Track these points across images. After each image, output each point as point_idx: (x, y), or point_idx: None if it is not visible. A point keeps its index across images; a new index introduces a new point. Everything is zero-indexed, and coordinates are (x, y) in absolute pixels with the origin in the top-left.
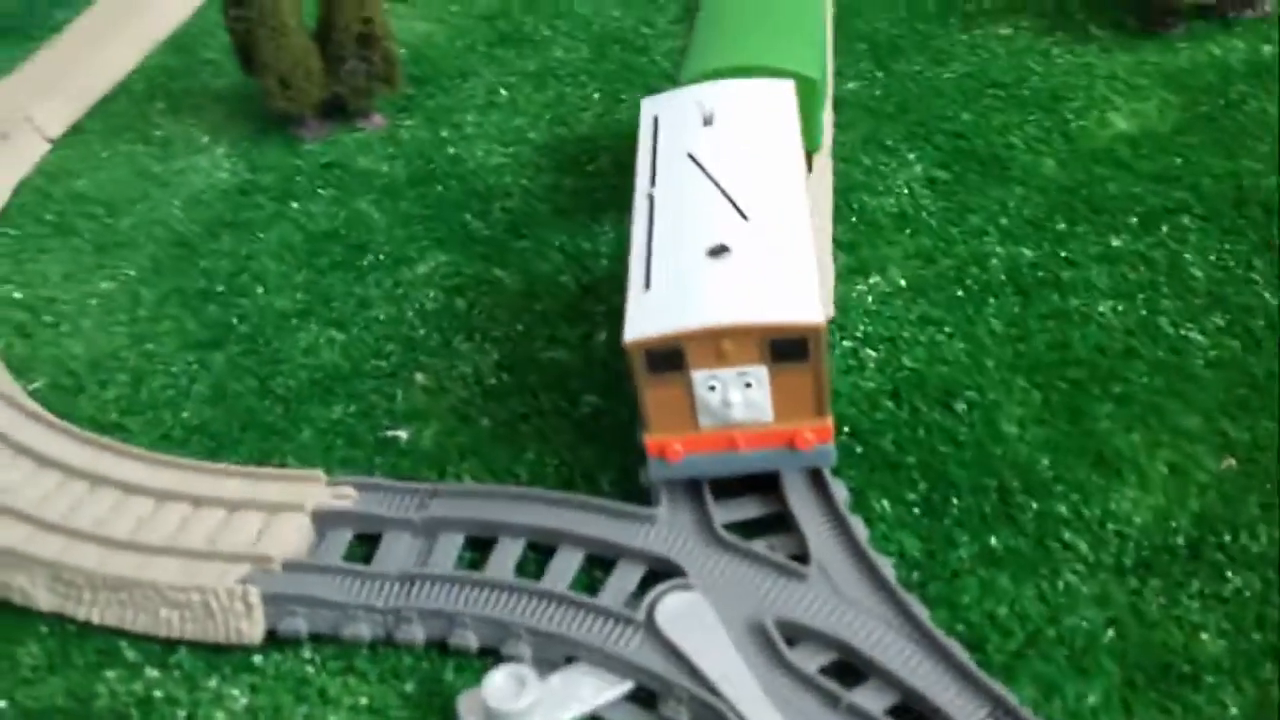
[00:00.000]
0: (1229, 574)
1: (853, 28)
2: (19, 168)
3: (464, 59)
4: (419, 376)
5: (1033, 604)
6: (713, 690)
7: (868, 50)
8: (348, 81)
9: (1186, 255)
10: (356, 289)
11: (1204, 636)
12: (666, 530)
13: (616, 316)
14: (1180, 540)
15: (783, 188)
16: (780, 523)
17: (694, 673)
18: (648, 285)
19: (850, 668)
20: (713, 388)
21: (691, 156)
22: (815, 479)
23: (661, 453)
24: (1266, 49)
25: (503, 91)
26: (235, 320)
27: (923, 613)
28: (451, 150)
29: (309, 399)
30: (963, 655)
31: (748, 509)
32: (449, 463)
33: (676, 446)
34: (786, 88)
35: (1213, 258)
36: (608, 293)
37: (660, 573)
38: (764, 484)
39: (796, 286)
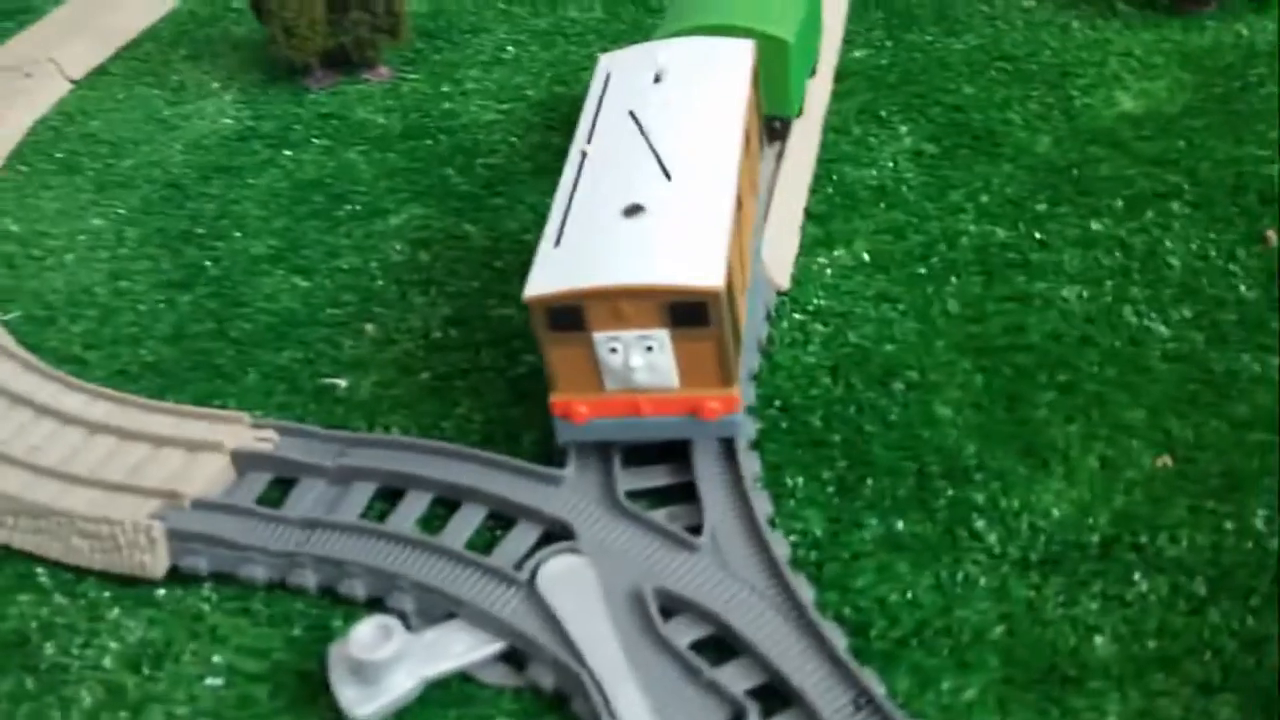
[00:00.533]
0: (1136, 576)
1: None
2: (38, 107)
3: (479, 14)
4: (368, 327)
5: (927, 593)
6: (578, 657)
7: (882, 19)
8: (351, 32)
9: (1167, 242)
10: (328, 237)
11: (1097, 640)
12: (569, 493)
13: None
14: (1094, 538)
15: (715, 149)
16: (686, 493)
17: (564, 637)
18: (558, 242)
19: (726, 644)
20: (614, 350)
21: (632, 114)
22: (728, 450)
23: (566, 413)
24: None
25: (510, 49)
26: (209, 263)
27: (808, 595)
28: (448, 105)
29: (261, 344)
30: (837, 641)
31: (655, 477)
32: (380, 414)
33: (581, 408)
34: (745, 47)
35: (1194, 246)
36: None
37: (557, 535)
38: (680, 452)
39: (701, 250)
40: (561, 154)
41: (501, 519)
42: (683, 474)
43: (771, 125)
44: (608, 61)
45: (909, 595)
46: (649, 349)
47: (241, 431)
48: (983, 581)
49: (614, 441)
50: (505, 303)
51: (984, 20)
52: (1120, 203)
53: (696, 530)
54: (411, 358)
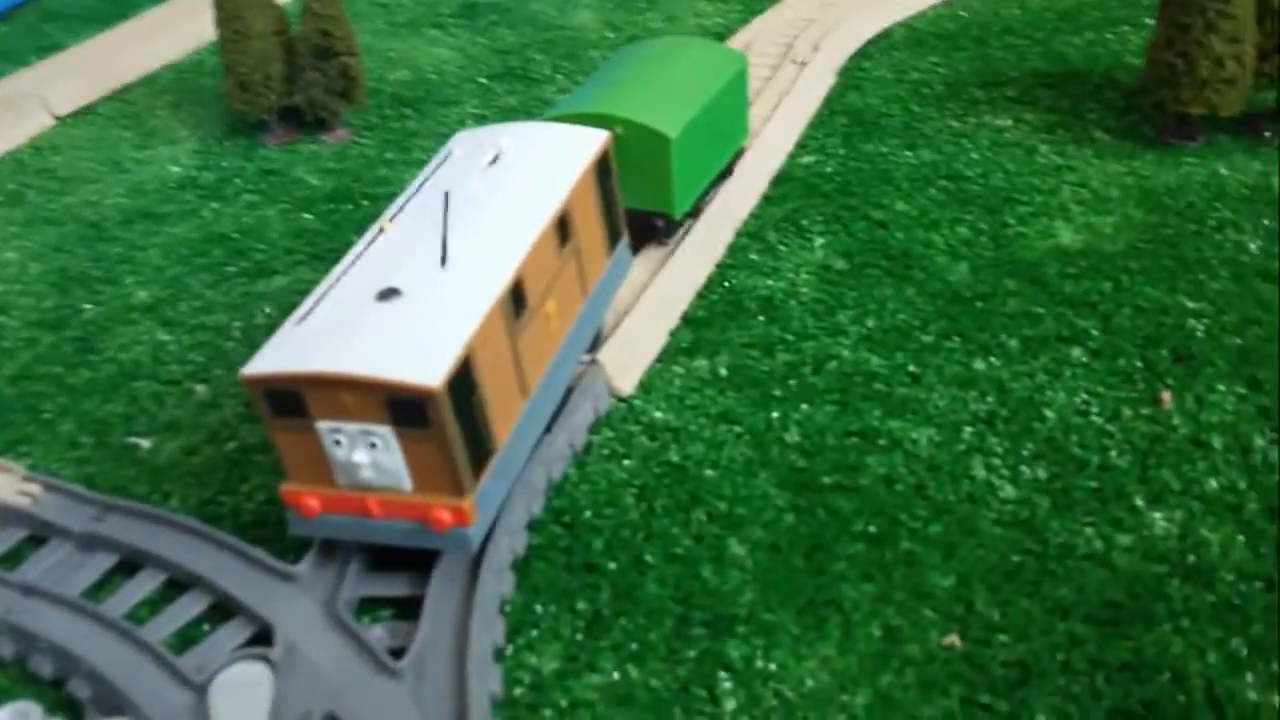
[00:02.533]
0: None
1: (844, 102)
2: (13, 139)
3: (459, 88)
4: (199, 388)
5: None
6: None
7: (845, 126)
8: (305, 92)
9: (1050, 392)
10: (209, 292)
11: None
12: (295, 593)
13: None
14: None
15: (508, 238)
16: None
17: None
18: (303, 320)
19: None
20: (339, 442)
21: (446, 195)
22: (478, 566)
23: (296, 505)
24: None
25: (469, 123)
26: (88, 306)
27: None
28: (383, 172)
29: (92, 393)
30: None
31: (391, 586)
32: (166, 481)
33: (311, 501)
34: (595, 136)
35: (1078, 399)
36: None
37: (263, 639)
38: (432, 559)
39: (434, 344)
40: None
41: (225, 612)
42: (419, 585)
43: (653, 224)
44: (457, 140)
45: None
46: (373, 445)
47: (8, 483)
48: None
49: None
50: None
51: (949, 136)
52: (1016, 342)
53: (400, 654)
54: (226, 425)
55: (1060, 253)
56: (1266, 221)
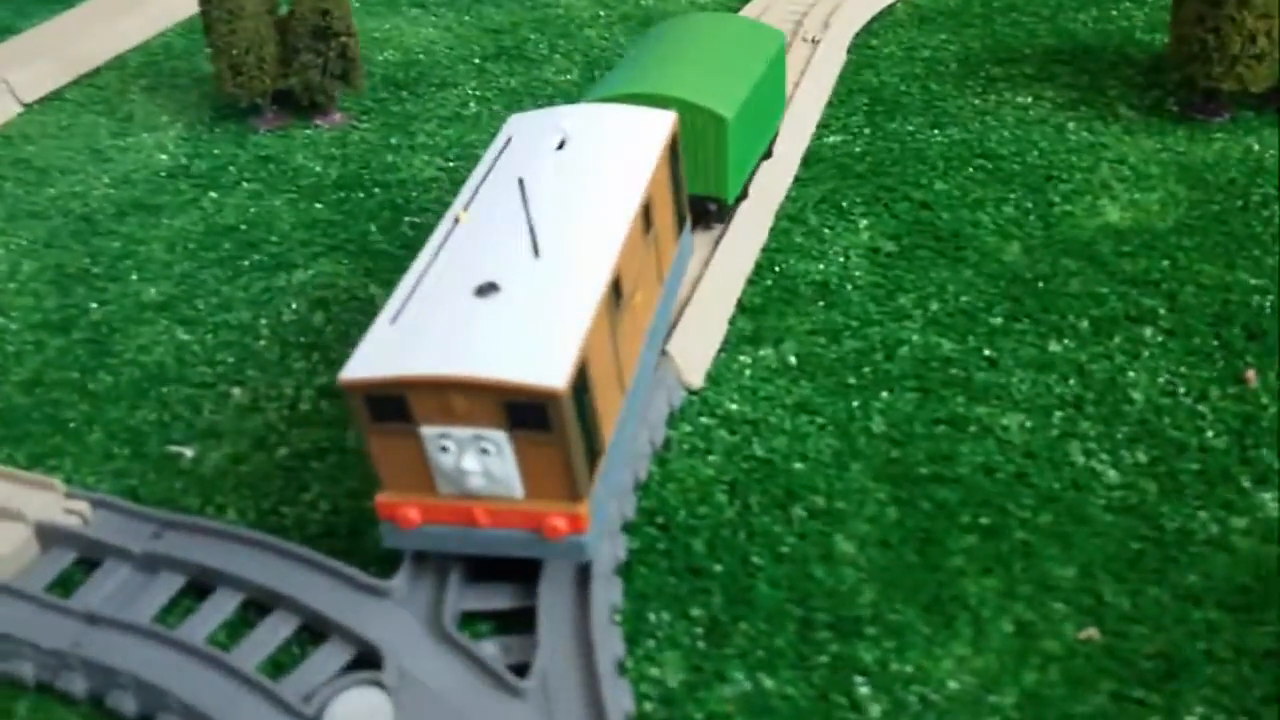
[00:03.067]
0: None
1: (860, 80)
2: None
3: (453, 69)
4: (235, 390)
5: None
6: None
7: (866, 105)
8: (301, 74)
9: (1131, 373)
10: (226, 288)
11: None
12: (393, 610)
13: None
14: None
15: (600, 227)
16: (527, 622)
17: None
18: (396, 319)
19: None
20: (445, 449)
21: (520, 181)
22: (583, 574)
23: (393, 516)
24: None
25: (472, 105)
26: (94, 305)
27: None
28: (390, 158)
29: (118, 399)
30: None
31: (497, 598)
32: (219, 492)
33: (410, 512)
34: (664, 119)
35: (1161, 380)
36: None
37: (368, 661)
38: (532, 569)
39: (550, 342)
40: None
41: (315, 633)
42: (527, 597)
43: (705, 208)
44: (513, 123)
45: None
46: (485, 451)
47: (53, 501)
48: None
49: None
50: None
51: (974, 114)
52: (1086, 323)
53: (523, 670)
54: (272, 430)
55: (1111, 231)
56: None
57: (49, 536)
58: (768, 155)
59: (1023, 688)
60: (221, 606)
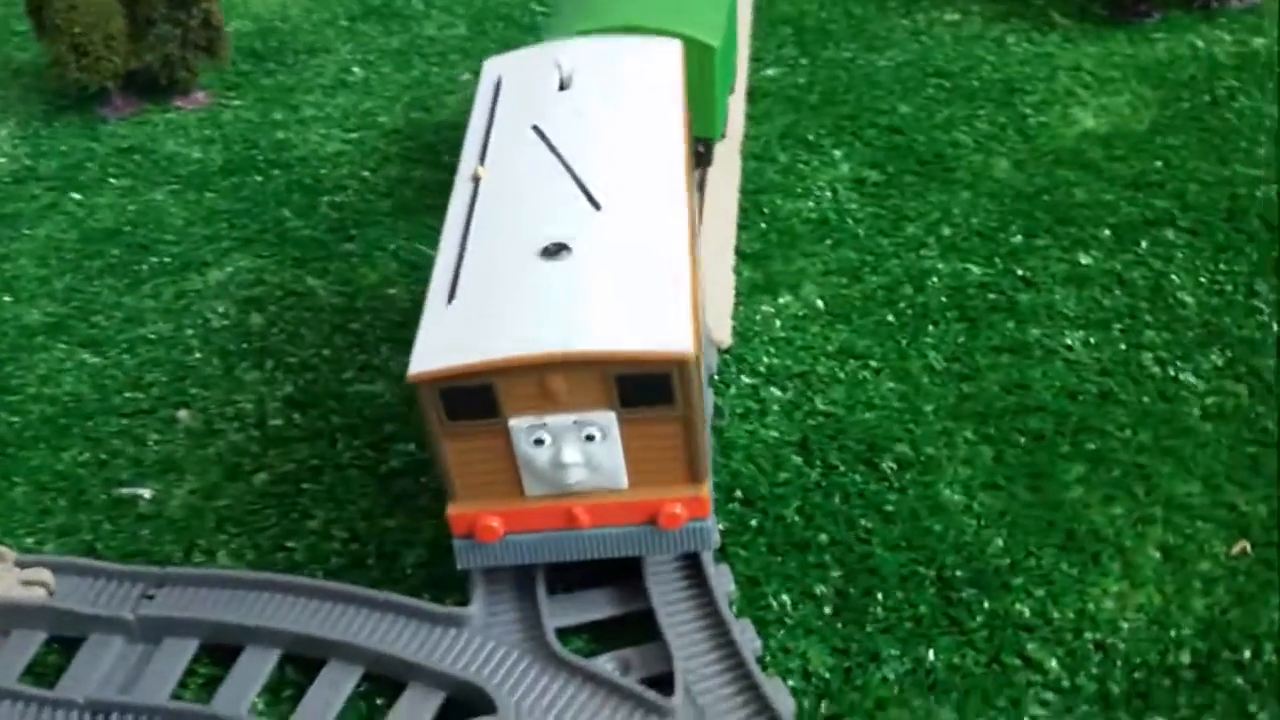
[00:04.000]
0: (1253, 709)
1: (776, 11)
2: None
3: (319, 34)
4: (182, 414)
5: None
6: None
7: (792, 35)
8: (158, 50)
9: (1173, 276)
10: (128, 299)
11: None
12: (479, 640)
13: None
14: (1184, 658)
15: (654, 170)
16: (641, 629)
17: None
18: (452, 296)
19: None
20: (539, 441)
21: (537, 129)
22: (691, 566)
23: (471, 531)
24: (1259, 41)
25: (356, 70)
26: None
27: None
28: (280, 135)
29: (34, 443)
30: None
31: (595, 608)
32: (201, 534)
33: (492, 522)
34: (672, 49)
35: (1204, 280)
36: None
37: (468, 704)
38: (621, 571)
39: (658, 301)
40: (428, 189)
41: (384, 682)
42: (632, 601)
43: (695, 149)
44: (496, 66)
45: None
46: (589, 439)
47: (2, 573)
48: None
49: (536, 565)
50: (367, 375)
51: (907, 35)
52: (1107, 232)
53: (659, 683)
54: (242, 454)
55: (1094, 137)
56: (1271, 85)
57: (8, 616)
58: (732, 90)
59: (1196, 615)
60: (256, 667)
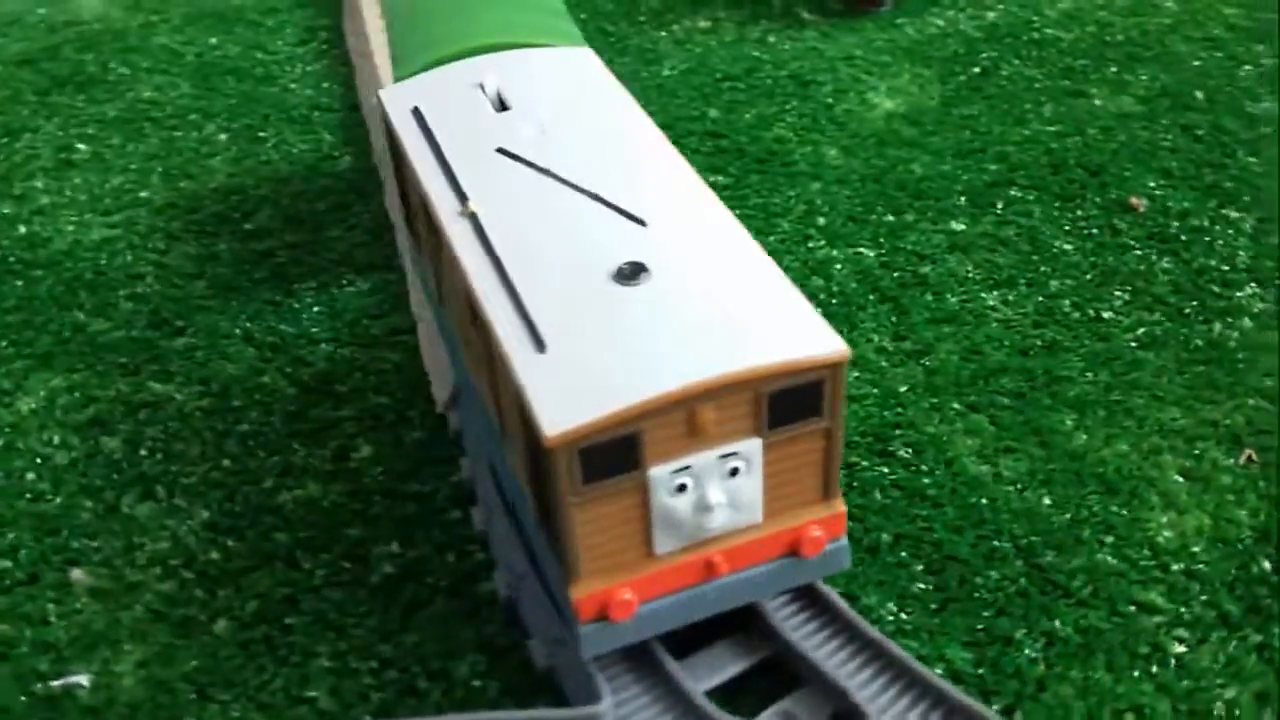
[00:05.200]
0: None
1: None
2: None
3: (9, 112)
4: (76, 574)
5: (1153, 697)
6: None
7: None
8: None
9: (1041, 229)
10: None
11: None
12: None
13: (376, 419)
14: (1265, 565)
15: (668, 179)
16: (775, 675)
17: None
18: (540, 345)
19: None
20: (683, 487)
21: (506, 152)
22: (806, 592)
23: (605, 611)
24: (991, 15)
25: (80, 146)
26: None
27: None
28: (23, 229)
29: None
30: None
31: (728, 662)
32: (181, 709)
33: (626, 595)
34: (588, 58)
35: (1068, 228)
36: (348, 387)
37: None
38: (721, 620)
39: (782, 306)
40: (242, 264)
41: None
42: (763, 645)
43: None
44: (400, 96)
45: (1146, 710)
46: (733, 473)
47: None
48: (1205, 661)
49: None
50: (293, 480)
51: (674, 45)
52: (963, 200)
53: None
54: (183, 603)
55: (898, 117)
56: (1034, 53)
57: None
58: None
59: (1247, 525)
60: None
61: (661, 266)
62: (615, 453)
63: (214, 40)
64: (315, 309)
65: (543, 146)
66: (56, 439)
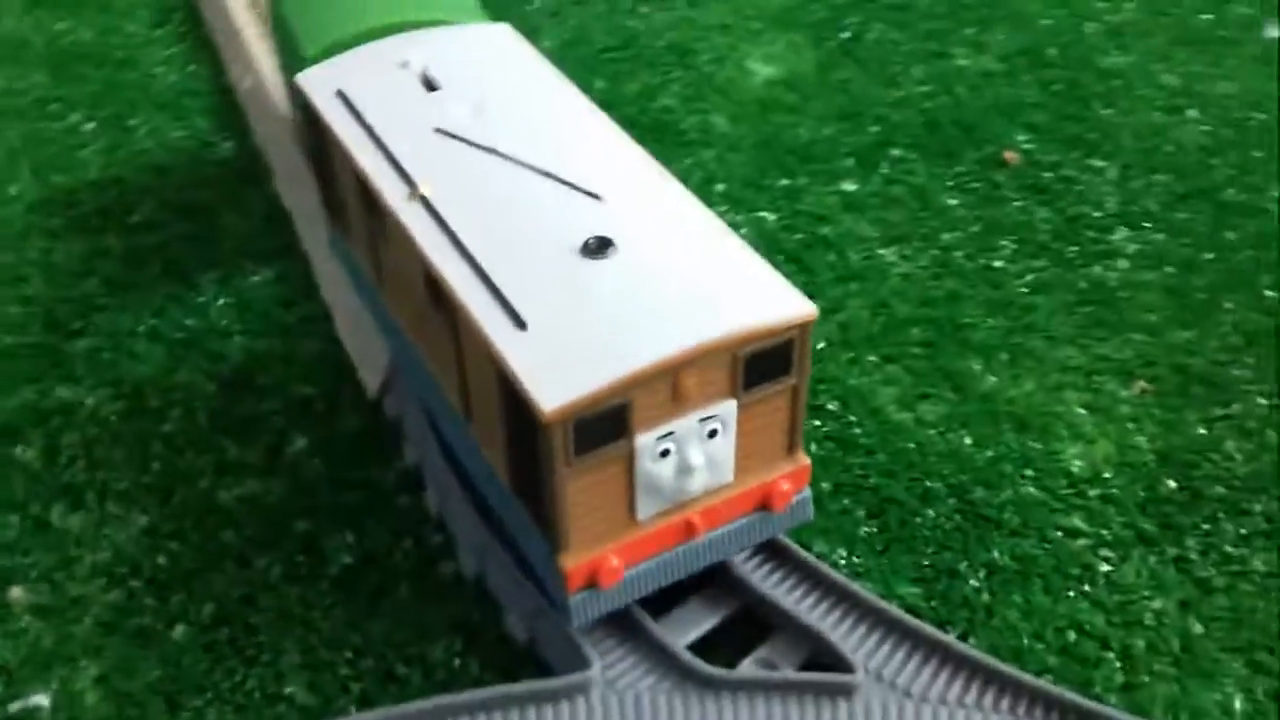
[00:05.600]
0: (1245, 505)
1: None
2: None
3: None
4: (15, 592)
5: (1089, 613)
6: None
7: None
8: None
9: (926, 187)
10: None
11: None
12: (616, 698)
13: (305, 408)
14: (1171, 484)
15: (614, 151)
16: (746, 625)
17: None
18: (520, 323)
19: None
20: (665, 452)
21: (445, 132)
22: (764, 545)
23: (594, 578)
24: None
25: None
26: None
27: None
28: None
29: None
30: None
31: (703, 616)
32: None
33: (614, 562)
34: (507, 33)
35: (951, 184)
36: (270, 379)
37: None
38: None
39: (748, 272)
40: (134, 259)
41: None
42: (734, 597)
43: None
44: (322, 80)
45: (1085, 624)
46: (711, 434)
47: None
48: (1128, 573)
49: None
50: (229, 477)
51: (547, 18)
52: (850, 161)
53: (821, 667)
54: (136, 612)
55: (777, 83)
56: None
57: None
58: None
59: (1149, 449)
60: None
61: (625, 239)
62: (607, 423)
63: (62, 25)
64: (221, 301)
65: (482, 126)
66: None
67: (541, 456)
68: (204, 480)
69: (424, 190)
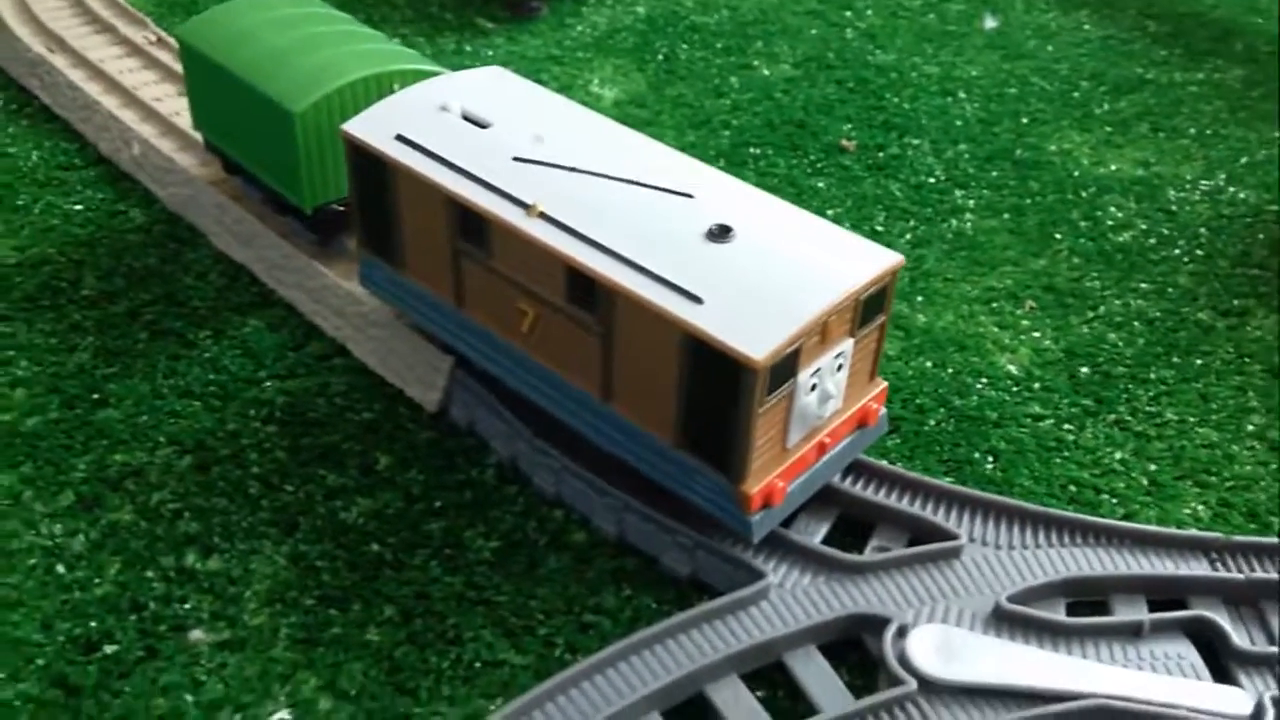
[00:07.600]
0: (1151, 376)
1: None
2: None
3: None
4: (195, 635)
5: (1077, 470)
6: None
7: None
8: None
9: (793, 175)
10: None
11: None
12: (808, 590)
13: (372, 431)
14: (1085, 370)
15: (671, 159)
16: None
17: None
18: (695, 299)
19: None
20: (813, 386)
21: (524, 159)
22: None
23: (769, 499)
24: (641, 9)
25: None
26: None
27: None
28: None
29: None
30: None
31: (816, 524)
32: (403, 706)
33: (780, 484)
34: (507, 75)
35: (810, 171)
36: (322, 413)
37: (847, 642)
38: None
39: (839, 237)
40: (112, 327)
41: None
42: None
43: None
44: (374, 131)
45: (1079, 479)
46: (839, 367)
47: None
48: (1094, 439)
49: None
50: (347, 496)
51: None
52: (721, 162)
53: (925, 538)
54: (317, 627)
55: (628, 102)
56: (693, 37)
57: None
58: None
59: (1058, 349)
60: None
61: (738, 224)
62: (786, 366)
63: None
64: (231, 354)
65: (551, 151)
66: (59, 529)
67: (741, 401)
68: (320, 506)
69: (541, 208)
